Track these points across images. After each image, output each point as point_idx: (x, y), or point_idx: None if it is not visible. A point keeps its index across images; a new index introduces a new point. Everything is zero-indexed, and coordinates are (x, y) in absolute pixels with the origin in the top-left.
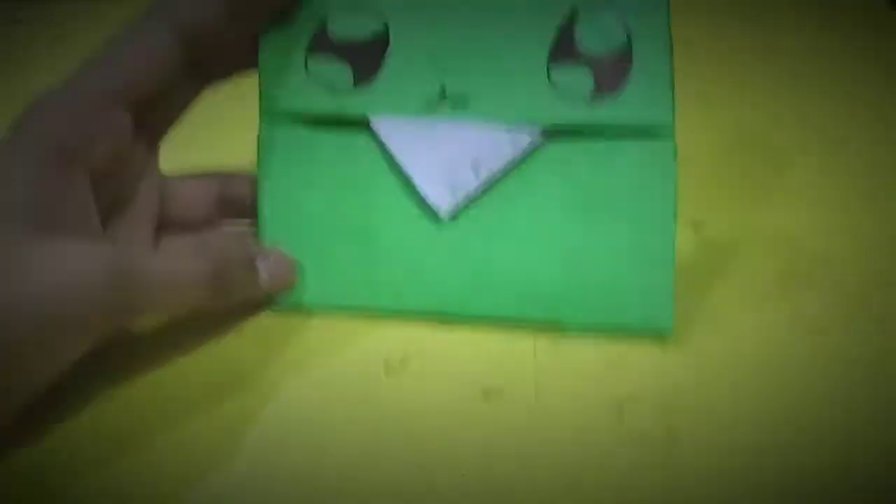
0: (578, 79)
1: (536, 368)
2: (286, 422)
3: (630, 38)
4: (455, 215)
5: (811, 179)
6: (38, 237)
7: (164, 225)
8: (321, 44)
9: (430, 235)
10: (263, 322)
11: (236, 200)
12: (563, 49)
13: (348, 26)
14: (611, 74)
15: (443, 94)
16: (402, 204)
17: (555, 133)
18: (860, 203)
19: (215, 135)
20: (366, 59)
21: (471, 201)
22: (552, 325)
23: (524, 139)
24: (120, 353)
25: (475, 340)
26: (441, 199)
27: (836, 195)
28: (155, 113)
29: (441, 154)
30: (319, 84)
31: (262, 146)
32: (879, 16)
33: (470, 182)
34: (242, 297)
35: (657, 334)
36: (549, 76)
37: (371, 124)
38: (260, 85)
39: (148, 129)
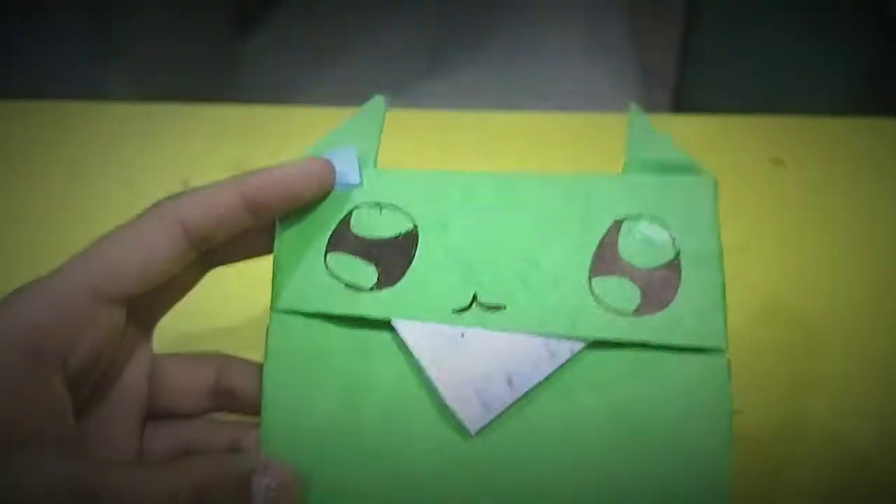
0: (622, 293)
1: None
2: None
3: (679, 253)
4: (484, 430)
5: None
6: (6, 455)
7: (152, 414)
8: (343, 239)
9: (455, 452)
10: None
11: (234, 392)
12: (606, 261)
13: (374, 223)
14: (659, 290)
15: (475, 302)
16: (426, 416)
17: (596, 344)
18: None
19: (218, 308)
20: (392, 259)
21: (502, 414)
22: None
23: (564, 352)
24: None
25: None
26: (472, 414)
27: None
28: (152, 301)
29: (472, 365)
30: (339, 282)
31: (272, 337)
32: None
33: (504, 396)
34: None
35: None
36: (590, 288)
37: (395, 327)
38: (274, 277)
39: (143, 315)
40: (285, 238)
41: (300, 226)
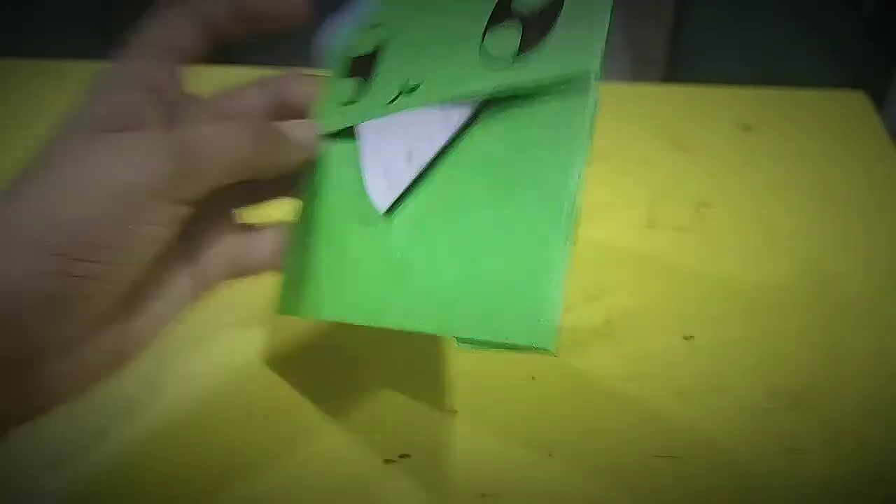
0: (507, 40)
1: (533, 473)
2: None
3: None
4: (391, 212)
5: None
6: (118, 133)
7: None
8: (350, 63)
9: (370, 235)
10: (266, 418)
11: (290, 106)
12: (500, 13)
13: (363, 45)
14: (538, 26)
15: (404, 88)
16: (356, 205)
17: (485, 113)
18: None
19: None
20: (366, 69)
21: (408, 198)
22: (447, 338)
23: (454, 118)
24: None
25: (474, 443)
26: (379, 194)
27: None
28: None
29: (385, 148)
30: (338, 102)
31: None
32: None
33: (404, 173)
34: (287, 159)
35: (541, 352)
36: (481, 47)
37: (357, 131)
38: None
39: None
40: (327, 77)
41: (333, 64)
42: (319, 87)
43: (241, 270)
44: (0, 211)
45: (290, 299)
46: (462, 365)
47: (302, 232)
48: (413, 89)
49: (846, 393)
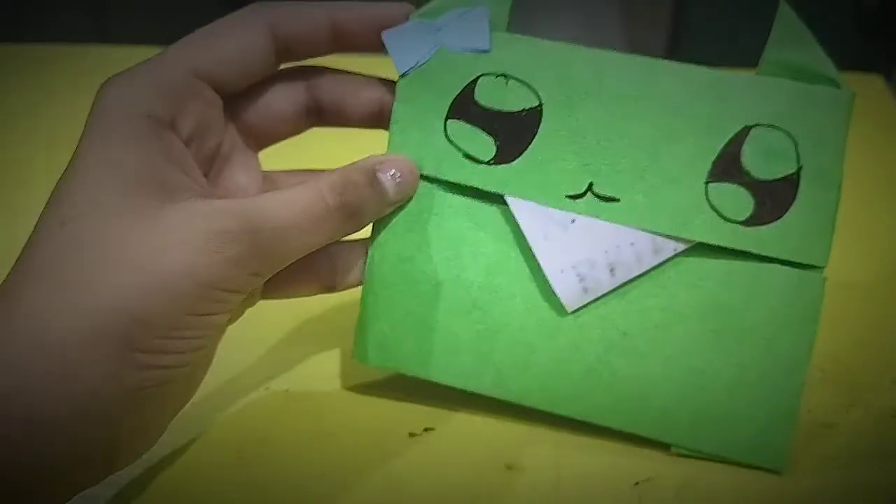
0: (737, 200)
1: (558, 447)
2: (311, 482)
3: (801, 168)
4: (578, 309)
5: None
6: (159, 204)
7: (261, 144)
8: (466, 107)
9: (549, 327)
10: (288, 393)
11: (326, 107)
12: (727, 166)
13: (499, 95)
14: (773, 203)
15: (589, 191)
16: (525, 289)
17: (699, 246)
18: None
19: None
20: (512, 134)
21: (598, 298)
22: (658, 444)
23: (668, 250)
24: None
25: (496, 418)
26: (570, 294)
27: None
28: (259, 124)
29: (577, 249)
30: (457, 150)
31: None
32: None
33: (604, 282)
34: (373, 214)
35: (768, 469)
36: (706, 192)
37: (508, 202)
38: (391, 135)
39: (247, 128)
40: (406, 96)
41: (423, 85)
42: (378, 96)
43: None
44: (69, 301)
45: (388, 350)
46: None
47: (405, 281)
48: (609, 199)
49: (871, 368)
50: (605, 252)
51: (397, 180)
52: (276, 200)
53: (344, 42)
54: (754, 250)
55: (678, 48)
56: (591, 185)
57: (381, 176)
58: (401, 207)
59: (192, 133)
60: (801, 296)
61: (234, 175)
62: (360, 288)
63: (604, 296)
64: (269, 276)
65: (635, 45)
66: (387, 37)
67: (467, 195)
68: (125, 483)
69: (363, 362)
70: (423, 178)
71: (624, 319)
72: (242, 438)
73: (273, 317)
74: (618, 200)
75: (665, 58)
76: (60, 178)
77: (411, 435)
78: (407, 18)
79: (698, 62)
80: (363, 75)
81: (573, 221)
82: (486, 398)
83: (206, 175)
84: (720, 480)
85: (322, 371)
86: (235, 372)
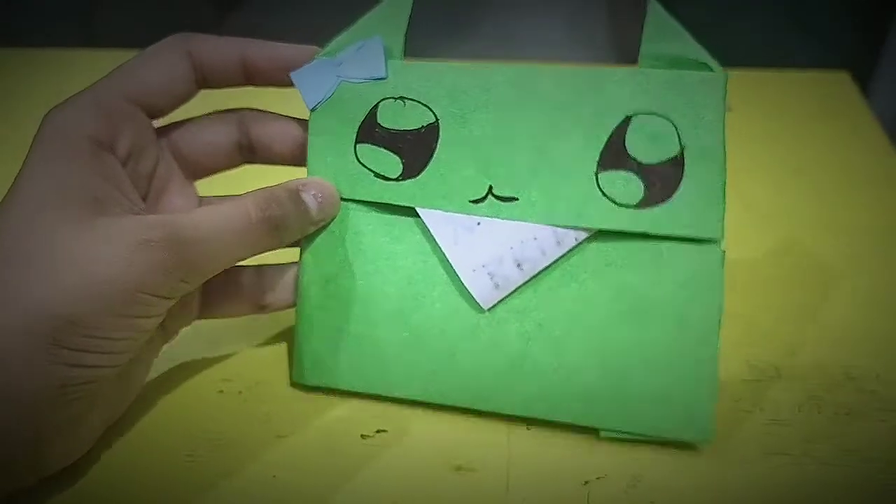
0: (627, 186)
1: (510, 447)
2: (263, 484)
3: (683, 149)
4: (494, 307)
5: None
6: (92, 216)
7: (197, 174)
8: (371, 132)
9: (468, 327)
10: (241, 395)
11: (255, 144)
12: (614, 155)
13: (398, 116)
14: (662, 184)
15: (490, 194)
16: (443, 293)
17: (600, 234)
18: None
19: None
20: (415, 151)
21: (511, 293)
22: (584, 428)
23: (570, 241)
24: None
25: (450, 418)
26: (484, 292)
27: None
28: (190, 152)
29: (486, 249)
30: (368, 171)
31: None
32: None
33: (514, 277)
34: (296, 232)
35: (694, 443)
36: (597, 181)
37: (419, 213)
38: (309, 165)
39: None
40: (318, 129)
41: (331, 116)
42: (300, 133)
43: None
44: (4, 299)
45: (323, 368)
46: None
47: (332, 300)
48: (509, 200)
49: (825, 364)
50: (511, 248)
51: (319, 199)
52: (201, 213)
53: (253, 77)
54: (650, 231)
55: None
56: (490, 188)
57: (304, 195)
58: (323, 229)
59: (128, 154)
60: (702, 269)
61: (171, 199)
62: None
63: (516, 291)
64: (196, 284)
65: (621, 45)
66: (295, 77)
67: (383, 212)
68: (75, 482)
69: (301, 381)
70: (342, 200)
71: (538, 312)
72: (195, 440)
73: (228, 320)
74: (516, 199)
75: None
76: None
77: (363, 437)
78: (312, 58)
79: None
80: (289, 117)
81: (479, 224)
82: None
83: (144, 198)
84: (668, 477)
85: (275, 373)
86: (188, 373)
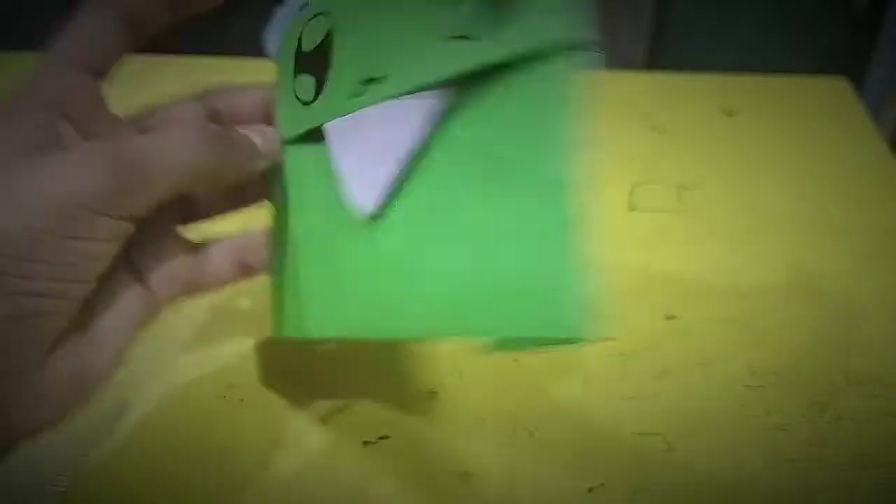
0: (474, 8)
1: (514, 453)
2: (268, 490)
3: None
4: (379, 216)
5: None
6: (42, 151)
7: None
8: (300, 61)
9: (358, 243)
10: (243, 402)
11: (223, 111)
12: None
13: (312, 35)
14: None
15: (368, 81)
16: (334, 212)
17: (466, 100)
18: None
19: None
20: (320, 66)
21: (396, 199)
22: (470, 339)
23: (432, 105)
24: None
25: (454, 425)
26: (363, 195)
27: None
28: None
29: (361, 146)
30: (300, 103)
31: (273, 175)
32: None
33: (386, 170)
34: (244, 166)
35: (572, 342)
36: (447, 26)
37: (325, 129)
38: (276, 123)
39: None
40: (279, 78)
41: (283, 60)
42: (261, 94)
43: (195, 288)
44: None
45: (286, 320)
46: (441, 346)
47: (282, 248)
48: (378, 81)
49: (827, 369)
50: (384, 138)
51: (264, 139)
52: (144, 139)
53: (178, 8)
54: (501, 51)
55: (661, 47)
56: (369, 77)
57: (244, 131)
58: (284, 179)
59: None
60: (549, 93)
61: None
62: None
63: (400, 191)
64: (135, 214)
65: (617, 46)
66: (265, 39)
67: (313, 142)
68: (76, 487)
69: (277, 335)
70: (290, 143)
71: (419, 210)
72: (199, 447)
73: (232, 326)
74: (388, 79)
75: (649, 58)
76: None
77: (366, 443)
78: None
79: (680, 62)
80: (252, 84)
81: (362, 118)
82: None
83: None
84: (674, 484)
85: (278, 380)
86: (191, 380)
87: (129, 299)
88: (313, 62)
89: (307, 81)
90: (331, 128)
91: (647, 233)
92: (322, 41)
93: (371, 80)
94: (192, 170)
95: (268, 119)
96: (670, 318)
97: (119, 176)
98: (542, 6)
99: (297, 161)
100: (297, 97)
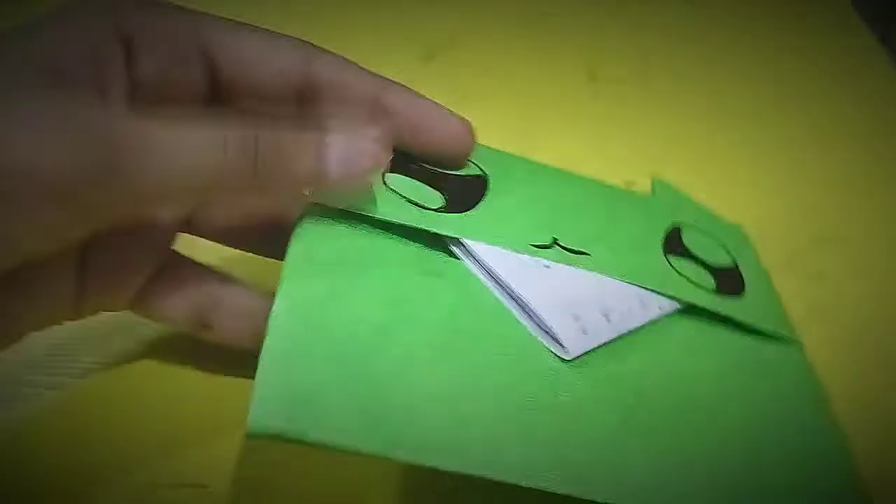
0: (698, 273)
1: None
2: None
3: (737, 265)
4: (581, 357)
5: None
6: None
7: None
8: (406, 166)
9: (548, 376)
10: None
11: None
12: (674, 244)
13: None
14: (730, 282)
15: (556, 244)
16: (505, 337)
17: (679, 312)
18: None
19: None
20: (461, 191)
21: (599, 345)
22: None
23: (654, 307)
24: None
25: None
26: (571, 337)
27: None
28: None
29: (565, 292)
30: (399, 196)
31: (302, 227)
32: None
33: (603, 328)
34: (295, 180)
35: None
36: (668, 261)
37: (468, 246)
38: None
39: None
40: None
41: None
42: (370, 80)
43: (141, 312)
44: None
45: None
46: None
47: (335, 327)
48: (579, 253)
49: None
50: (595, 298)
51: (347, 150)
52: (148, 125)
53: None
54: (735, 316)
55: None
56: (555, 239)
57: (326, 137)
58: (323, 255)
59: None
60: (793, 366)
61: None
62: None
63: (607, 345)
64: (108, 216)
65: None
66: None
67: (410, 240)
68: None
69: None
70: (359, 217)
71: (630, 378)
72: (201, 467)
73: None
74: (588, 254)
75: None
76: None
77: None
78: None
79: None
80: (277, 35)
81: (547, 266)
82: None
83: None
84: None
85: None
86: (188, 394)
87: (59, 291)
88: (439, 180)
89: (425, 190)
90: (494, 255)
91: (609, 101)
92: (467, 176)
93: (568, 248)
94: (213, 184)
95: (374, 116)
96: (629, 183)
97: (96, 166)
98: (758, 296)
99: (396, 254)
100: (393, 190)
